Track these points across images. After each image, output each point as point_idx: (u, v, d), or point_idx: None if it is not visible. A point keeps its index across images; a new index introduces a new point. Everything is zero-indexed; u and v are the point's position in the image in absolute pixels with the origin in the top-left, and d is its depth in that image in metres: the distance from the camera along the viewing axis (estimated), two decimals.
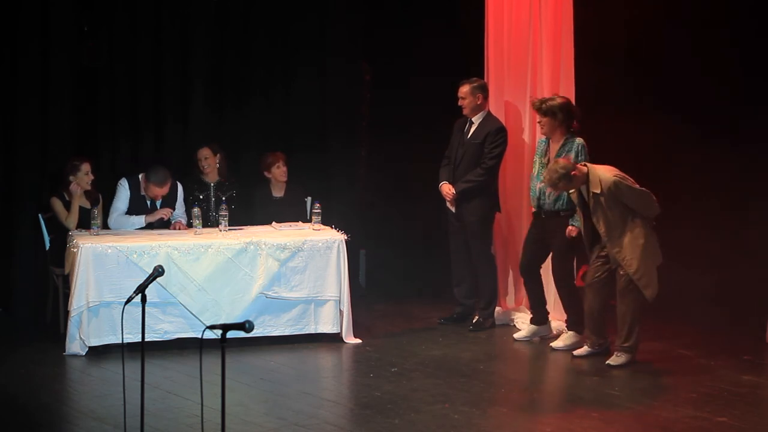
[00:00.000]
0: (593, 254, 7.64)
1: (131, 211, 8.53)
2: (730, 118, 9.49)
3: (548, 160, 7.98)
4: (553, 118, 7.92)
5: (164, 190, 8.53)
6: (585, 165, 7.50)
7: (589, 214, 7.50)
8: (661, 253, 7.49)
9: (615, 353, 7.58)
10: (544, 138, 8.11)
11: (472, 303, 8.84)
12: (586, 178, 7.43)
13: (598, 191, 7.36)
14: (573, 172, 7.39)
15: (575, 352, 7.80)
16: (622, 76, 9.58)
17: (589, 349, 7.74)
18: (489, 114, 8.63)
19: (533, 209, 8.20)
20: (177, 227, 8.50)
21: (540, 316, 8.34)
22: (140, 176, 8.59)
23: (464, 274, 8.81)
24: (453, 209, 8.63)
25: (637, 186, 7.42)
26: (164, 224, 8.57)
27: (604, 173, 7.40)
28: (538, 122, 8.07)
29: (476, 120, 8.57)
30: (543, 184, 7.80)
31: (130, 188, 8.54)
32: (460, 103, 8.58)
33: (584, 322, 7.82)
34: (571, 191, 7.60)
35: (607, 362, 7.55)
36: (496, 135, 8.49)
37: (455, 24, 9.86)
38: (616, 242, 7.41)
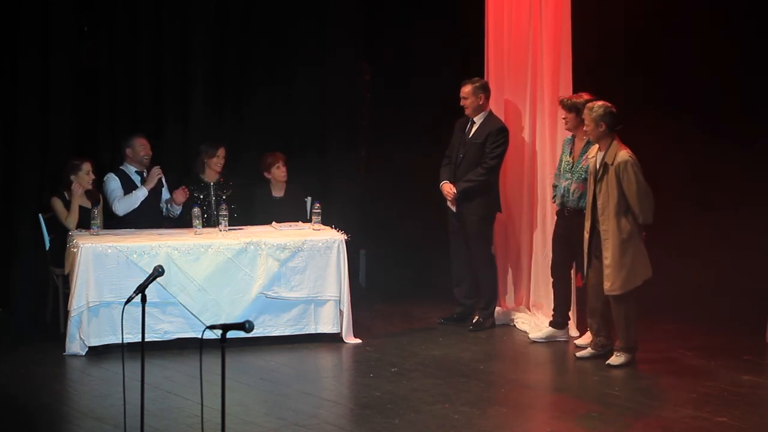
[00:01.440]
0: (590, 251, 7.62)
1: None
2: (731, 118, 9.50)
3: (573, 158, 7.98)
4: (576, 115, 7.91)
5: (146, 142, 8.69)
6: (616, 136, 7.50)
7: (594, 186, 7.48)
8: (648, 265, 7.45)
9: (615, 353, 7.57)
10: (569, 136, 8.12)
11: (472, 303, 8.83)
12: (609, 143, 7.42)
13: (610, 162, 7.37)
14: (607, 122, 7.38)
15: (578, 354, 7.78)
16: (622, 76, 9.59)
17: (592, 350, 7.72)
18: (491, 114, 8.63)
19: (557, 207, 8.18)
20: (179, 197, 8.68)
21: (561, 320, 8.24)
22: (124, 154, 8.71)
23: (464, 274, 8.80)
24: (454, 209, 8.63)
25: (644, 182, 7.40)
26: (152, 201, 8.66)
27: (623, 150, 7.40)
28: (563, 118, 8.07)
29: (478, 120, 8.57)
30: (567, 182, 7.85)
31: (118, 178, 8.65)
32: (462, 103, 8.57)
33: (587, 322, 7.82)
34: (591, 155, 7.58)
35: (607, 362, 7.54)
36: (497, 135, 8.49)
37: (455, 24, 9.86)
38: (606, 220, 7.40)
